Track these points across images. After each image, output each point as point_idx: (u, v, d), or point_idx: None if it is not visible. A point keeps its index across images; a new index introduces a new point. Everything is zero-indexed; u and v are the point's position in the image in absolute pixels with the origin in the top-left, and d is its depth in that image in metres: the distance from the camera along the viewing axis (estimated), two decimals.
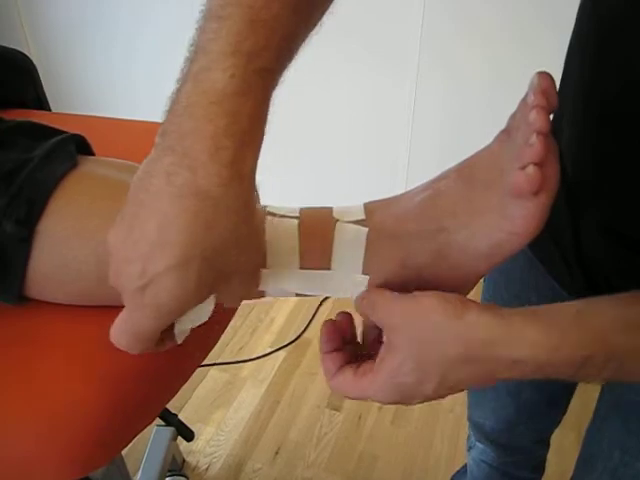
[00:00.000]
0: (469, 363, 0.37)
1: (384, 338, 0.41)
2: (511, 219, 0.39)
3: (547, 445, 0.93)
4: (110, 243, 0.36)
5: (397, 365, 0.39)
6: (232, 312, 0.69)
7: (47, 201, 0.47)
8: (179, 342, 0.42)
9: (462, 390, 0.40)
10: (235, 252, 0.36)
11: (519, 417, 0.82)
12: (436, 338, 0.38)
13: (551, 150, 0.38)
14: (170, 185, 0.32)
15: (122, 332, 0.37)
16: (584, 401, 0.82)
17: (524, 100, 0.39)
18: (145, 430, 0.52)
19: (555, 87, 0.38)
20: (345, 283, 0.44)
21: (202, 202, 0.32)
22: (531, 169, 0.37)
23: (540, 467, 0.96)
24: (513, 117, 0.42)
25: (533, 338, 0.36)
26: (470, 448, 0.99)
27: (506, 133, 0.42)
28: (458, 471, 1.12)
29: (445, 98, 1.49)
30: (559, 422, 0.86)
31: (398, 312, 0.39)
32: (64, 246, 0.47)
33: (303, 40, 0.36)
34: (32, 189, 0.47)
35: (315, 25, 0.37)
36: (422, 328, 0.38)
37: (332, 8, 0.37)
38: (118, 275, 0.35)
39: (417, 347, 0.38)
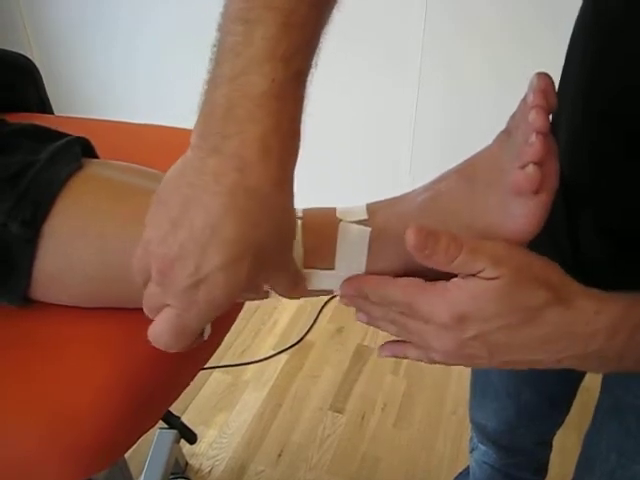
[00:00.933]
0: (553, 308, 0.38)
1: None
2: (512, 218, 0.40)
3: (549, 447, 0.93)
4: (147, 239, 0.36)
5: (494, 284, 0.38)
6: (235, 315, 0.69)
7: (53, 202, 0.47)
8: (205, 338, 0.42)
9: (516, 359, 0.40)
10: (278, 249, 0.37)
11: (520, 419, 0.82)
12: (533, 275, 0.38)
13: (551, 149, 0.38)
14: (219, 185, 0.33)
15: (164, 331, 0.37)
16: (585, 401, 0.82)
17: (524, 100, 0.40)
18: (148, 433, 0.52)
19: (554, 87, 0.39)
20: None
21: (251, 200, 0.33)
22: (531, 168, 0.37)
23: (542, 469, 0.96)
24: (513, 117, 0.42)
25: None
26: (472, 450, 0.99)
27: (506, 133, 0.42)
28: (461, 473, 1.11)
29: (447, 98, 1.49)
30: (561, 423, 0.86)
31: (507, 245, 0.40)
32: (69, 246, 0.47)
33: (323, 38, 0.37)
34: (38, 190, 0.47)
35: (329, 21, 0.37)
36: (527, 263, 0.39)
37: (339, 6, 0.38)
38: (165, 273, 0.35)
39: (518, 274, 0.38)
